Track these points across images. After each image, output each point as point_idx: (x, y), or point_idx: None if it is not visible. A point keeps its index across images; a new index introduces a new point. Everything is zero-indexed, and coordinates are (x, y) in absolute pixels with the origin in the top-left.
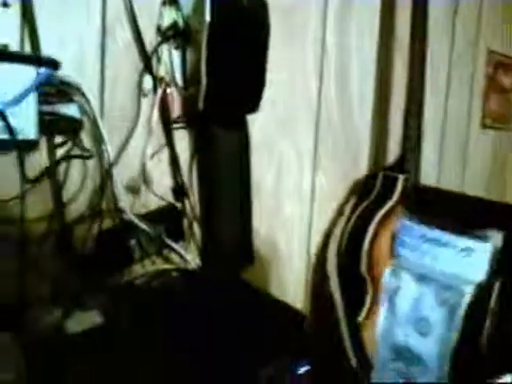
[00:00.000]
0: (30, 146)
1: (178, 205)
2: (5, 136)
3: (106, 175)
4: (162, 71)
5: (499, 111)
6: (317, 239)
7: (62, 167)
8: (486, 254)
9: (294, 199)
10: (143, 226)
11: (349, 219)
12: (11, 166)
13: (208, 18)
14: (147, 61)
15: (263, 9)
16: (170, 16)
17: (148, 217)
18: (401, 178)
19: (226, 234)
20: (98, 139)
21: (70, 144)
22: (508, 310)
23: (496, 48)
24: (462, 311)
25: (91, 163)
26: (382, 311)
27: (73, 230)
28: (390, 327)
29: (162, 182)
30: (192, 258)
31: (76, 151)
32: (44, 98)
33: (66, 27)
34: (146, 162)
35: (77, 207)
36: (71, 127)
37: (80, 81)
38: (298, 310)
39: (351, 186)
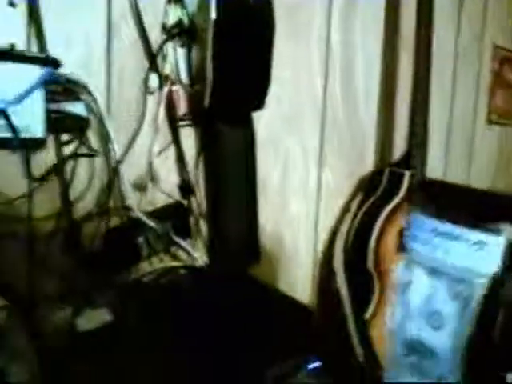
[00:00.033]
0: (37, 144)
1: (185, 202)
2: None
3: (113, 173)
4: (167, 69)
5: (505, 107)
6: (323, 236)
7: (69, 165)
8: (499, 247)
9: (300, 196)
10: (150, 223)
11: (355, 216)
12: (19, 165)
13: (213, 15)
14: (153, 59)
15: (268, 6)
16: (175, 14)
17: (155, 214)
18: (407, 174)
19: (233, 230)
20: (105, 137)
21: (76, 142)
22: None
23: (502, 43)
24: (474, 304)
25: (98, 161)
26: (394, 306)
27: (80, 228)
28: (402, 322)
29: (169, 179)
30: (199, 256)
31: (83, 149)
32: (51, 97)
33: (72, 26)
34: (153, 159)
35: (84, 205)
36: (78, 125)
37: (86, 79)
38: (306, 306)
39: (357, 182)
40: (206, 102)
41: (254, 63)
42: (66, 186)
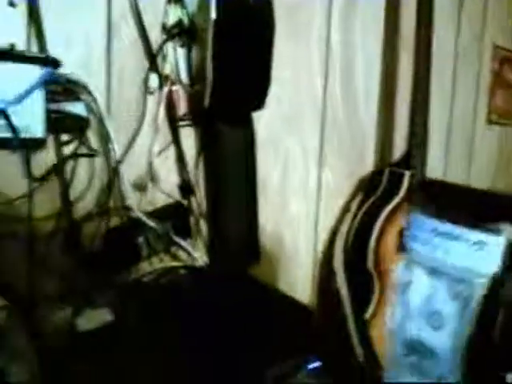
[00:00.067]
0: (37, 144)
1: (185, 202)
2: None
3: (113, 173)
4: (167, 69)
5: (505, 107)
6: (323, 236)
7: (69, 165)
8: (499, 247)
9: (300, 196)
10: (150, 223)
11: (355, 216)
12: (19, 165)
13: (213, 15)
14: (153, 59)
15: (268, 6)
16: (175, 14)
17: (155, 214)
18: (407, 174)
19: (233, 230)
20: (105, 137)
21: (76, 142)
22: None
23: (502, 43)
24: (474, 304)
25: (98, 161)
26: (394, 306)
27: (80, 228)
28: (402, 322)
29: (169, 179)
30: (199, 256)
31: (83, 149)
32: (51, 97)
33: (72, 26)
34: (153, 159)
35: (84, 205)
36: (78, 125)
37: (86, 79)
38: (306, 306)
39: (357, 182)
40: (206, 102)
41: (254, 63)
42: (66, 186)
